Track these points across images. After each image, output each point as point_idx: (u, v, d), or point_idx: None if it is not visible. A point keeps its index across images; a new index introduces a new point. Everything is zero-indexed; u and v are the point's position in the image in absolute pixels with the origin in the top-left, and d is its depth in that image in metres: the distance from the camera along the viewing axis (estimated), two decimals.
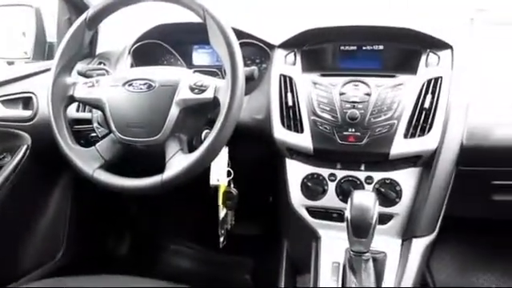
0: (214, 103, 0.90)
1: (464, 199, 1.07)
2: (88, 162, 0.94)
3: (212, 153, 0.87)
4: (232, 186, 1.13)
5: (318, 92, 1.02)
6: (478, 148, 0.98)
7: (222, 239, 1.20)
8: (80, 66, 1.06)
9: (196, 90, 0.91)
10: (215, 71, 1.23)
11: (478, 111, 1.00)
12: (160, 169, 0.90)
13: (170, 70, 1.01)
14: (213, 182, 1.06)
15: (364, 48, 1.10)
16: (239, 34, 1.06)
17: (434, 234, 1.00)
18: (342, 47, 1.11)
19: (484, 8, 1.53)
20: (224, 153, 1.04)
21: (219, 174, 1.05)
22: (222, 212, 1.14)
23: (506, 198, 1.09)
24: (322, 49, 1.11)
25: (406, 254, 0.96)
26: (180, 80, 0.93)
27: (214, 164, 1.03)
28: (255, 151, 1.15)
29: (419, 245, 0.98)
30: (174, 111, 0.91)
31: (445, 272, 1.52)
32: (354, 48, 1.10)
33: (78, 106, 1.17)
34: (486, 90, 1.05)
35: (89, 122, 1.12)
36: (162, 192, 0.89)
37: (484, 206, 1.14)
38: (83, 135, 1.14)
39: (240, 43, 0.92)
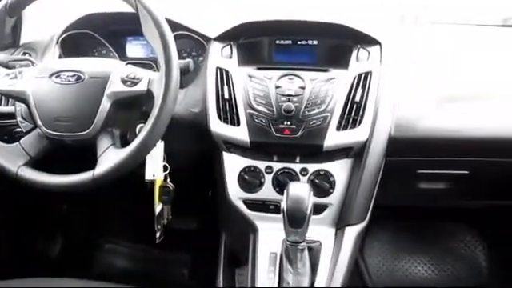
0: (148, 96, 0.88)
1: (393, 188, 1.13)
2: (11, 158, 0.89)
3: (146, 147, 0.85)
4: (168, 180, 1.11)
5: (253, 85, 1.03)
6: (404, 139, 1.04)
7: (158, 235, 1.18)
8: (1, 56, 1.00)
9: (128, 83, 0.89)
10: (150, 64, 1.19)
11: (405, 104, 1.06)
12: (91, 165, 0.87)
13: (101, 62, 0.98)
14: (148, 176, 1.03)
15: (299, 43, 1.12)
16: (174, 25, 1.04)
17: (366, 221, 1.04)
18: (277, 41, 1.12)
19: (428, 6, 1.61)
20: (160, 147, 1.02)
21: (155, 168, 1.03)
22: (158, 207, 1.12)
23: (431, 186, 1.16)
24: (258, 42, 1.12)
25: (340, 241, 1.00)
26: (111, 72, 0.90)
27: (149, 159, 1.01)
28: (192, 145, 1.14)
29: (352, 232, 1.02)
30: (105, 104, 0.88)
31: (377, 258, 1.60)
32: (290, 42, 1.12)
33: (0, 100, 1.10)
34: (413, 84, 1.11)
35: (12, 116, 1.05)
36: (94, 189, 0.86)
37: (411, 193, 1.21)
38: (6, 130, 1.07)
39: (175, 35, 0.90)
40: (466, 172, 1.11)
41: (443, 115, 1.06)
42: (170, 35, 0.86)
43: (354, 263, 1.01)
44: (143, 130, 0.84)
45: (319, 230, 1.01)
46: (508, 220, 1.48)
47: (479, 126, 1.05)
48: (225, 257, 1.13)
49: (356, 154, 1.01)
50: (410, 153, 1.08)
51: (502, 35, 1.36)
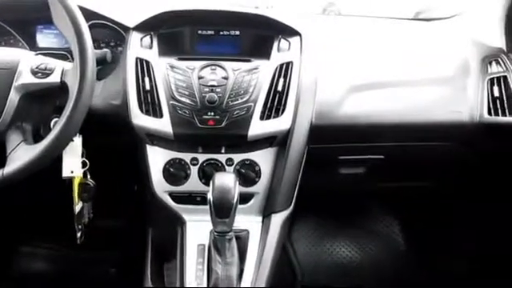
0: (62, 88, 0.83)
1: (316, 174, 1.17)
2: None
3: (60, 143, 0.81)
4: (89, 176, 1.06)
5: (175, 76, 1.01)
6: (325, 127, 1.08)
7: (79, 234, 1.13)
8: None
9: (39, 74, 0.83)
10: (65, 54, 1.13)
11: (325, 93, 1.10)
12: (1, 163, 0.81)
13: (7, 52, 0.91)
14: (66, 173, 0.98)
15: (221, 33, 1.11)
16: (89, 14, 0.99)
17: (291, 208, 1.07)
18: (199, 31, 1.10)
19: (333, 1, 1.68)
20: (77, 142, 0.97)
21: (73, 165, 0.98)
22: (78, 206, 1.07)
23: (351, 171, 1.22)
24: (179, 32, 1.10)
25: (267, 229, 1.02)
26: (19, 62, 0.84)
27: (66, 155, 0.96)
28: (113, 138, 1.10)
29: (278, 219, 1.04)
30: (14, 98, 0.82)
31: (304, 242, 1.67)
32: (212, 32, 1.11)
33: None
34: (332, 73, 1.15)
35: None
36: (4, 188, 0.80)
37: (333, 179, 1.27)
38: None
39: (90, 24, 0.85)
40: (382, 157, 1.18)
41: (360, 103, 1.11)
42: (83, 23, 0.82)
43: (281, 249, 1.03)
44: (57, 125, 0.80)
45: (246, 219, 1.02)
46: (420, 200, 1.60)
47: (392, 113, 1.12)
48: (152, 252, 1.11)
49: (280, 142, 1.03)
50: (330, 140, 1.12)
51: (413, 28, 1.46)
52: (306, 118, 1.04)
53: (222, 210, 0.86)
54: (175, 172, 1.03)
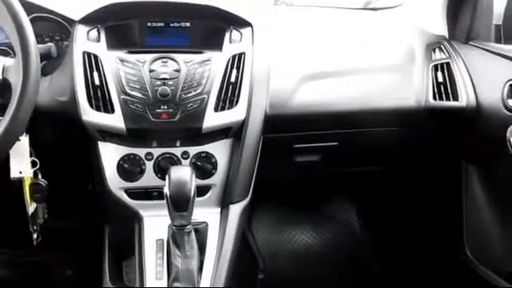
0: (5, 86, 0.79)
1: (272, 163, 1.19)
2: None
3: (5, 143, 0.77)
4: (40, 176, 1.03)
5: (126, 70, 0.99)
6: (279, 116, 1.09)
7: (35, 236, 1.09)
8: None
9: None
10: (5, 50, 1.07)
11: (278, 83, 1.11)
12: None
13: None
14: (14, 174, 0.94)
15: (172, 25, 1.10)
16: (30, 7, 0.95)
17: (249, 198, 1.08)
18: (148, 24, 1.08)
19: None
20: (24, 141, 0.93)
21: (21, 165, 0.94)
22: (31, 207, 1.03)
23: (306, 159, 1.25)
24: (127, 25, 1.07)
25: (225, 220, 1.02)
26: None
27: (13, 155, 0.92)
28: (63, 136, 1.07)
29: (236, 210, 1.04)
30: None
31: (264, 231, 1.69)
32: (162, 25, 1.09)
33: None
34: (284, 63, 1.16)
35: None
36: None
37: (290, 167, 1.29)
38: None
39: (32, 18, 0.82)
40: (336, 143, 1.21)
41: (312, 92, 1.14)
42: (23, 16, 0.78)
43: (240, 239, 1.04)
44: (1, 125, 0.76)
45: (205, 211, 1.02)
46: (374, 184, 1.66)
47: (344, 100, 1.15)
48: (110, 251, 1.08)
49: (235, 133, 1.04)
50: (285, 129, 1.14)
51: (362, 17, 1.50)
52: (260, 109, 1.05)
53: (180, 204, 0.86)
54: (130, 168, 1.01)
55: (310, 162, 1.26)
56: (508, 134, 1.07)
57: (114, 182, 1.01)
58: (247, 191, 1.07)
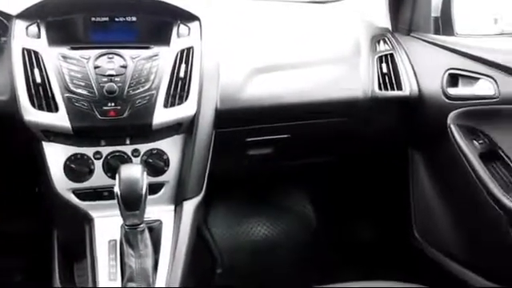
0: None
1: (226, 158, 1.19)
2: None
3: None
4: None
5: (69, 66, 0.95)
6: (230, 110, 1.09)
7: None
8: None
9: None
10: None
11: (228, 77, 1.11)
12: None
13: None
14: None
15: (117, 19, 1.06)
16: None
17: (202, 193, 1.07)
18: (92, 18, 1.04)
19: None
20: None
21: None
22: None
23: (259, 152, 1.26)
24: (70, 20, 1.03)
25: (179, 217, 1.01)
26: None
27: None
28: (6, 137, 1.02)
29: (190, 206, 1.04)
30: None
31: (221, 225, 1.69)
32: (106, 19, 1.05)
33: None
34: (234, 57, 1.16)
35: None
36: None
37: (243, 161, 1.29)
38: None
39: None
40: (288, 136, 1.23)
41: (263, 85, 1.14)
42: None
43: (196, 235, 1.04)
44: None
45: (158, 209, 1.01)
46: (326, 174, 1.70)
47: (294, 93, 1.17)
48: (60, 254, 1.05)
49: (186, 129, 1.03)
50: (237, 123, 1.14)
51: (309, 10, 1.52)
52: (210, 103, 1.05)
53: (131, 203, 0.84)
54: (77, 168, 0.97)
55: (263, 155, 1.27)
56: (449, 121, 1.13)
57: (61, 184, 0.97)
58: (201, 187, 1.07)
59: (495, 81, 1.06)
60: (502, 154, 1.06)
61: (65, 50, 0.97)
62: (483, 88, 1.08)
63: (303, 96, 1.17)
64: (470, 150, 1.07)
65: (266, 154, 1.27)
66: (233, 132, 1.15)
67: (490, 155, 1.08)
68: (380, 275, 1.51)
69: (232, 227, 1.70)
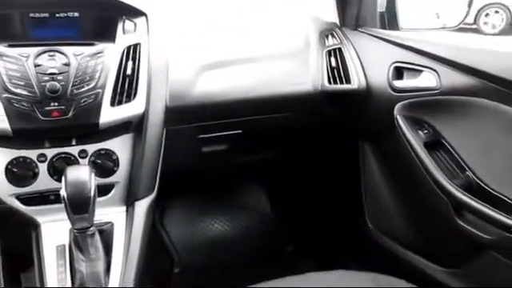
0: None
1: (179, 156, 1.17)
2: None
3: None
4: None
5: (7, 65, 0.90)
6: (180, 108, 1.08)
7: None
8: None
9: None
10: None
11: (177, 74, 1.09)
12: None
13: None
14: None
15: (57, 15, 1.01)
16: None
17: (155, 192, 1.05)
18: (31, 14, 0.99)
19: None
20: None
21: None
22: None
23: (212, 149, 1.25)
24: (6, 16, 0.97)
25: (131, 218, 0.99)
26: None
27: None
28: None
29: (142, 206, 1.02)
30: None
31: (177, 224, 1.67)
32: (46, 15, 1.01)
33: None
34: (183, 53, 1.15)
35: None
36: None
37: (197, 158, 1.28)
38: None
39: None
40: (240, 131, 1.22)
41: (213, 81, 1.13)
42: None
43: (149, 235, 1.01)
44: None
45: (109, 211, 0.98)
46: (280, 168, 1.71)
47: (244, 88, 1.17)
48: (5, 263, 1.00)
49: (135, 127, 1.00)
50: (188, 120, 1.13)
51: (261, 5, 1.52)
52: (159, 101, 1.03)
53: (79, 206, 0.82)
54: (20, 172, 0.93)
55: (217, 151, 1.26)
56: (395, 112, 1.17)
57: (3, 189, 0.93)
58: (153, 186, 1.05)
59: (437, 73, 1.10)
60: (445, 143, 1.11)
61: (2, 48, 0.92)
62: (426, 80, 1.13)
63: (254, 91, 1.18)
64: (415, 140, 1.11)
65: (219, 151, 1.26)
66: (184, 129, 1.13)
67: (435, 144, 1.12)
68: (335, 264, 1.55)
69: (188, 225, 1.68)
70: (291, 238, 1.75)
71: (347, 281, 0.94)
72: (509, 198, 0.96)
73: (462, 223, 1.01)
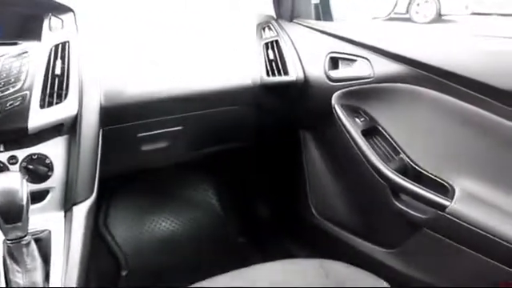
0: None
1: (118, 156, 1.14)
2: None
3: None
4: None
5: None
6: (116, 107, 1.04)
7: None
8: None
9: None
10: None
11: (112, 72, 1.06)
12: None
13: None
14: None
15: None
16: None
17: (94, 195, 1.01)
18: None
19: None
20: None
21: None
22: None
23: (153, 147, 1.22)
24: None
25: (70, 223, 0.95)
26: None
27: None
28: None
29: (81, 210, 0.97)
30: None
31: (122, 226, 1.62)
32: None
33: None
34: (117, 51, 1.11)
35: None
36: None
37: (137, 158, 1.25)
38: None
39: None
40: (181, 128, 1.21)
41: (150, 79, 1.11)
42: None
43: (90, 240, 0.98)
44: None
45: (45, 218, 0.93)
46: (226, 162, 1.71)
47: (182, 84, 1.15)
48: None
49: (69, 129, 0.96)
50: (125, 119, 1.10)
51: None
52: (93, 101, 0.99)
53: (11, 215, 0.77)
54: None
55: (158, 149, 1.24)
56: (333, 101, 1.20)
57: None
58: (91, 189, 1.01)
59: (370, 62, 1.14)
60: (381, 129, 1.15)
61: None
62: (360, 69, 1.16)
63: (192, 87, 1.16)
64: (353, 128, 1.14)
65: (161, 149, 1.24)
66: (122, 129, 1.10)
67: (371, 131, 1.16)
68: (284, 254, 1.58)
69: (135, 226, 1.64)
70: (241, 230, 1.75)
71: (295, 269, 0.96)
72: (441, 179, 1.02)
73: (399, 205, 1.06)
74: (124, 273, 1.52)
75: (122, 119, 1.08)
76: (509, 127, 0.89)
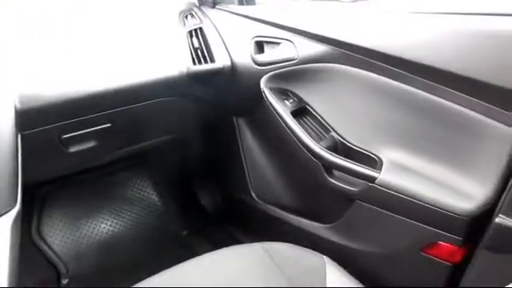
0: None
1: (43, 160, 1.08)
2: None
3: None
4: None
5: None
6: (34, 109, 0.98)
7: None
8: None
9: None
10: None
11: (26, 72, 0.99)
12: None
13: None
14: None
15: None
16: None
17: (18, 205, 0.95)
18: None
19: None
20: None
21: None
22: None
23: (81, 148, 1.17)
24: None
25: None
26: None
27: None
28: None
29: (6, 222, 0.91)
30: None
31: (59, 234, 1.55)
32: None
33: None
34: (29, 49, 1.04)
35: None
36: None
37: (65, 160, 1.18)
38: None
39: None
40: (109, 125, 1.16)
41: (67, 76, 1.05)
42: None
43: (18, 252, 0.92)
44: None
45: None
46: (164, 155, 1.68)
47: (105, 80, 1.10)
48: None
49: None
50: (46, 121, 1.03)
51: None
52: (7, 105, 0.92)
53: None
54: None
55: (87, 149, 1.18)
56: (262, 85, 1.20)
57: None
58: (14, 199, 0.95)
59: (293, 44, 1.15)
60: (310, 109, 1.17)
61: None
62: (285, 51, 1.17)
63: (116, 82, 1.12)
64: (283, 110, 1.16)
65: (89, 148, 1.18)
66: (44, 131, 1.04)
67: (301, 111, 1.18)
68: (230, 241, 1.58)
69: (73, 232, 1.57)
70: (184, 222, 1.74)
71: (240, 255, 0.97)
72: (369, 152, 1.06)
73: (332, 181, 1.09)
74: (65, 281, 1.46)
75: (42, 121, 1.02)
76: (423, 97, 0.93)
